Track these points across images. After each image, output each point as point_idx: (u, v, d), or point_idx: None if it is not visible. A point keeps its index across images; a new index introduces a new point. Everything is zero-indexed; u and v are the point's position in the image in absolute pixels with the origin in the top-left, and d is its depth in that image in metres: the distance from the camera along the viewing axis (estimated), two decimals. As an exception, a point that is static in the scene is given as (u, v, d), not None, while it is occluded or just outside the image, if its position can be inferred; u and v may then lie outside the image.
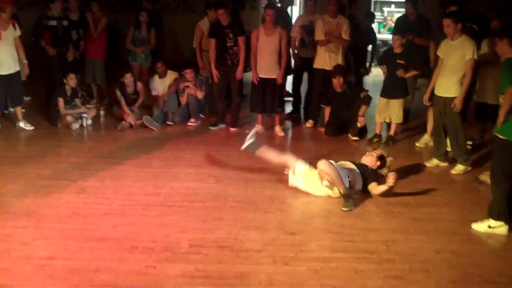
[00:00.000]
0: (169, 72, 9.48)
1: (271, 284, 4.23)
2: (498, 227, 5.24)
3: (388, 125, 8.31)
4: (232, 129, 8.79)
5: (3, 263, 4.43)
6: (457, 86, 6.73)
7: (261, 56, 8.38)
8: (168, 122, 9.04)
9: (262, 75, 8.42)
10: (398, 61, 7.96)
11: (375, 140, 8.19)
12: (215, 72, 8.66)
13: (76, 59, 9.85)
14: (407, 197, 6.04)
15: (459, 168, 6.92)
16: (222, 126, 8.93)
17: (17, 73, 8.38)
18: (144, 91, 9.46)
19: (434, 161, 7.18)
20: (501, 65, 5.55)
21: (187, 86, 9.09)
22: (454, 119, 6.82)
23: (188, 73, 9.08)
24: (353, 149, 7.92)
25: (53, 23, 9.41)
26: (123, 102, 8.93)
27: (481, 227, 5.30)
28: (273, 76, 8.40)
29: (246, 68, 8.95)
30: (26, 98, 8.57)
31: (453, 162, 7.09)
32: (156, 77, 9.48)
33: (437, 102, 6.99)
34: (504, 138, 5.18)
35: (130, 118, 8.72)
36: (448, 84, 6.77)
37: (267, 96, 8.47)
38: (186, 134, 8.59)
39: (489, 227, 5.26)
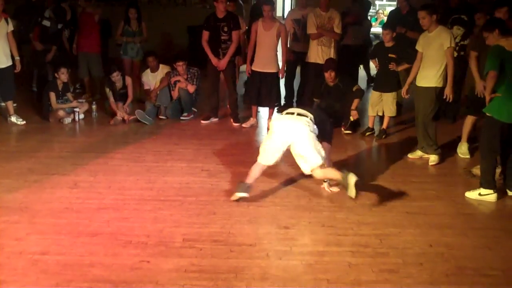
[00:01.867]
0: (161, 66, 9.44)
1: (265, 279, 4.23)
2: (487, 195, 5.81)
3: (381, 118, 8.32)
4: (234, 124, 8.76)
5: (-4, 259, 4.42)
6: (438, 76, 6.81)
7: (259, 50, 8.38)
8: (161, 116, 9.01)
9: (259, 69, 8.42)
10: (389, 55, 7.98)
11: (367, 133, 8.21)
12: (215, 62, 8.58)
13: (68, 54, 9.84)
14: (399, 191, 6.05)
15: (434, 158, 6.98)
16: (215, 120, 8.92)
17: (9, 68, 8.33)
18: (135, 85, 9.42)
19: (418, 153, 7.20)
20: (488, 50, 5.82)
21: (178, 80, 9.06)
22: (427, 109, 6.90)
23: (180, 66, 9.04)
24: (346, 143, 7.93)
25: (47, 23, 9.45)
26: (111, 99, 8.88)
27: (472, 194, 5.88)
28: (270, 70, 8.39)
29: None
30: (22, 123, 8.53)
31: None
32: (148, 71, 9.44)
33: (416, 93, 7.06)
34: (489, 115, 5.74)
35: (122, 113, 8.69)
36: (429, 75, 6.85)
37: (264, 90, 8.46)
38: (178, 128, 8.57)
39: (480, 194, 5.85)
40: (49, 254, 4.51)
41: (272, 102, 8.58)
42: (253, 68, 8.52)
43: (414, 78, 7.03)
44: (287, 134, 5.49)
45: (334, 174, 5.47)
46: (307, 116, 5.54)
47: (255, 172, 5.64)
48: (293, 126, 5.49)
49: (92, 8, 10.05)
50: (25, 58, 9.66)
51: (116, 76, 8.92)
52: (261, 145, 5.70)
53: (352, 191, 5.24)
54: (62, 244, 4.68)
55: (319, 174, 5.52)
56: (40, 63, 9.73)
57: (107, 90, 8.96)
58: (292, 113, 5.60)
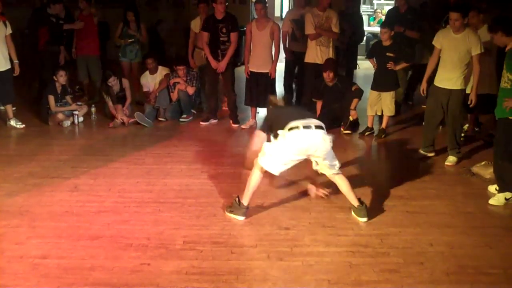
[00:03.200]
0: (160, 67, 9.44)
1: (266, 280, 4.23)
2: None
3: (380, 118, 8.32)
4: (233, 125, 8.75)
5: (-4, 263, 4.42)
6: (461, 78, 6.74)
7: (253, 50, 8.40)
8: (160, 118, 9.02)
9: (254, 69, 8.43)
10: (387, 54, 7.98)
11: (367, 133, 8.21)
12: (214, 64, 8.55)
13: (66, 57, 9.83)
14: (399, 190, 6.06)
15: (452, 159, 6.94)
16: (214, 121, 8.92)
17: (8, 71, 8.32)
18: (134, 87, 9.42)
19: (422, 152, 7.21)
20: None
21: (177, 82, 9.06)
22: (457, 111, 6.85)
23: (181, 70, 9.06)
24: (345, 143, 7.93)
25: (53, 19, 9.42)
26: (110, 104, 8.88)
27: (498, 201, 5.71)
28: (265, 70, 8.40)
29: (238, 63, 8.92)
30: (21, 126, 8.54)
31: (438, 154, 7.10)
32: (147, 73, 9.44)
33: (438, 94, 6.92)
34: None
35: (121, 115, 8.68)
36: (453, 77, 6.72)
37: (260, 90, 8.46)
38: (178, 130, 8.58)
39: (506, 199, 5.71)
40: (50, 257, 4.51)
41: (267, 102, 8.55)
42: (250, 69, 8.53)
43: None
44: (308, 150, 5.14)
45: (351, 196, 5.39)
46: (323, 128, 5.22)
47: (254, 183, 5.26)
48: (315, 142, 5.12)
49: (91, 10, 10.02)
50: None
51: (112, 81, 8.90)
52: (269, 151, 5.18)
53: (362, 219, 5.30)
54: (62, 248, 4.68)
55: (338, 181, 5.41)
56: (47, 65, 9.56)
57: (105, 95, 8.95)
58: (310, 127, 5.13)
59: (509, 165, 5.67)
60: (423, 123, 7.45)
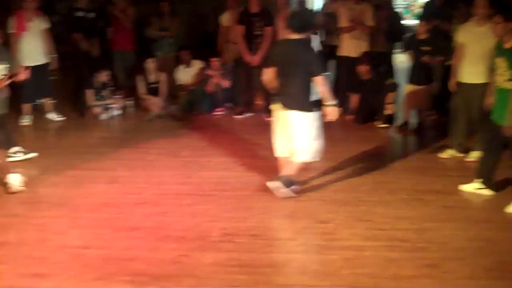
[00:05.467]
0: (195, 61, 9.48)
1: (304, 273, 4.24)
2: None
3: (416, 112, 8.24)
4: (267, 118, 8.71)
5: (39, 252, 4.52)
6: (485, 72, 6.61)
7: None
8: (195, 112, 9.07)
9: None
10: (423, 47, 7.89)
11: (403, 127, 8.13)
12: (248, 58, 8.55)
13: (102, 52, 9.90)
14: (437, 185, 5.99)
15: (477, 155, 6.80)
16: (248, 114, 8.93)
17: (45, 65, 8.46)
18: (169, 81, 9.50)
19: (449, 152, 7.05)
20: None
21: (212, 76, 9.10)
22: (481, 105, 6.72)
23: (215, 62, 9.09)
24: (381, 137, 7.87)
25: (80, 14, 9.48)
26: (142, 88, 8.95)
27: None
28: None
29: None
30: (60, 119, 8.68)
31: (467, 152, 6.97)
32: (181, 67, 9.50)
33: (462, 89, 6.84)
34: None
35: (157, 108, 8.76)
36: (476, 71, 6.62)
37: None
38: (212, 123, 8.62)
39: None
40: (90, 248, 4.59)
41: None
42: None
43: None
44: None
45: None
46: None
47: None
48: None
49: (124, 4, 10.07)
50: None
51: (150, 63, 8.98)
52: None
53: None
54: (102, 239, 4.76)
55: None
56: (82, 59, 9.63)
57: (139, 79, 9.04)
58: None
59: None
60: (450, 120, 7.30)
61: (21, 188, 5.76)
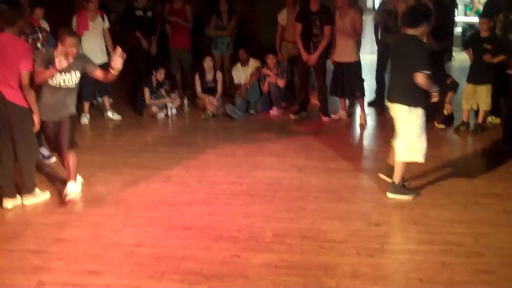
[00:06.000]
0: (251, 60, 9.51)
1: (355, 276, 4.18)
2: None
3: (476, 112, 8.02)
4: (324, 118, 8.70)
5: (94, 249, 4.60)
6: None
7: (337, 40, 8.27)
8: (250, 111, 9.09)
9: (339, 59, 8.32)
10: (484, 45, 7.67)
11: (462, 128, 7.93)
12: (305, 56, 8.50)
13: (159, 50, 10.03)
14: (496, 188, 5.82)
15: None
16: (304, 114, 8.89)
17: (105, 65, 8.60)
18: (225, 80, 9.53)
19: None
20: None
21: (268, 75, 9.10)
22: None
23: (270, 59, 9.08)
24: (439, 138, 7.69)
25: (140, 13, 9.62)
26: (198, 86, 9.04)
27: None
28: (348, 60, 8.25)
29: (329, 55, 8.79)
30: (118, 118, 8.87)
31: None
32: (239, 65, 9.54)
33: None
34: None
35: (213, 107, 8.82)
36: None
37: (344, 80, 8.35)
38: (268, 122, 8.62)
39: None
40: (144, 246, 4.65)
41: (353, 92, 8.44)
42: (334, 59, 8.43)
43: None
44: None
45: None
46: None
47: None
48: None
49: (181, 3, 10.16)
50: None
51: (208, 61, 9.07)
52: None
53: None
54: (155, 237, 4.81)
55: None
56: (140, 57, 9.73)
57: (196, 77, 9.13)
58: None
59: None
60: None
61: (76, 199, 5.59)
